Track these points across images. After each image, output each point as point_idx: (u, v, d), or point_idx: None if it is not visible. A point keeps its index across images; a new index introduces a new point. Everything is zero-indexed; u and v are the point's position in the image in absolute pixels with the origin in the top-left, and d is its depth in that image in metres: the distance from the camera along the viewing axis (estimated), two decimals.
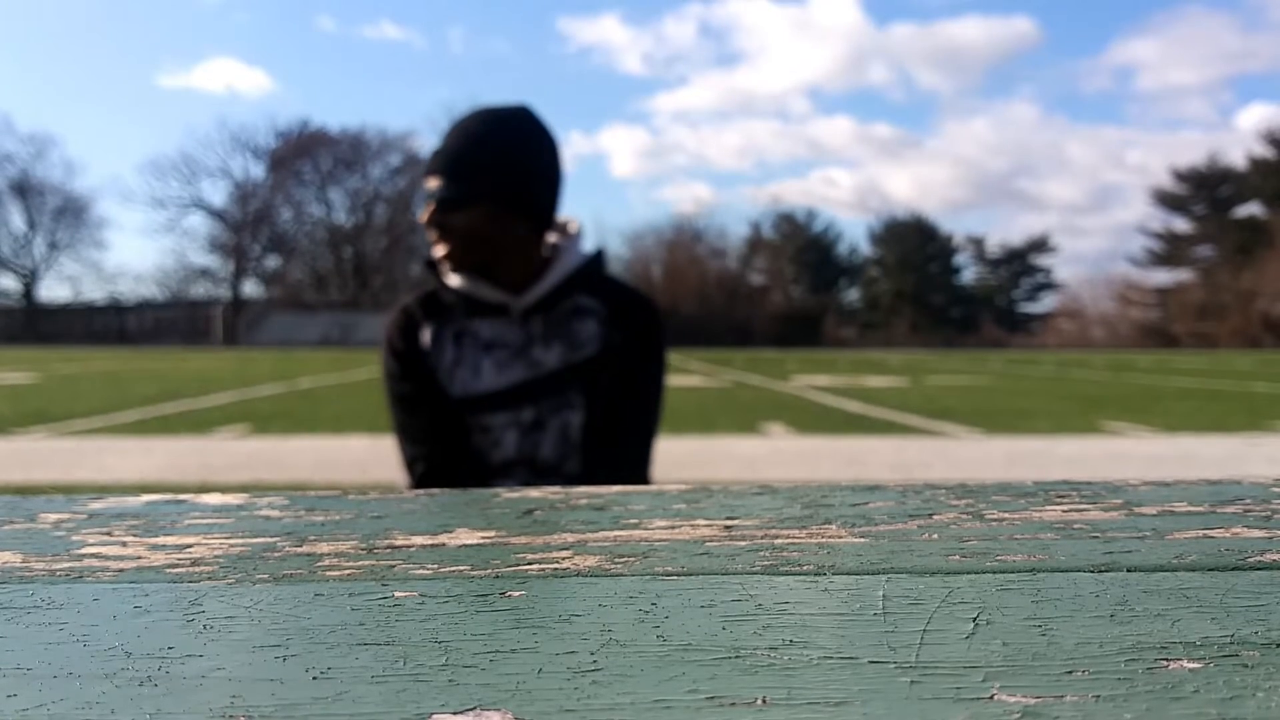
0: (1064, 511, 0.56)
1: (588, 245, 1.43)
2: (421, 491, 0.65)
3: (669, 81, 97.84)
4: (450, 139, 1.34)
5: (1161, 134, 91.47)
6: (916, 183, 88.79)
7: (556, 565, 0.45)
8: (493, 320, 1.35)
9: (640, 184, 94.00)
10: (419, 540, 0.50)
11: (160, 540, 0.51)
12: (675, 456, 6.42)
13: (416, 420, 1.37)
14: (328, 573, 0.44)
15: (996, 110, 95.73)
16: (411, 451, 1.36)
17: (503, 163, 1.32)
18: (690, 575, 0.43)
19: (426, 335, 1.36)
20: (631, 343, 1.37)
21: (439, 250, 1.35)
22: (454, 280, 1.36)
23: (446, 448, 1.35)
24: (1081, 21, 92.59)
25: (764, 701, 0.29)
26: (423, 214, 1.33)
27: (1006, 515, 0.55)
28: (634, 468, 1.35)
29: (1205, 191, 58.33)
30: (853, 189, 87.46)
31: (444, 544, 0.49)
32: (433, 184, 1.31)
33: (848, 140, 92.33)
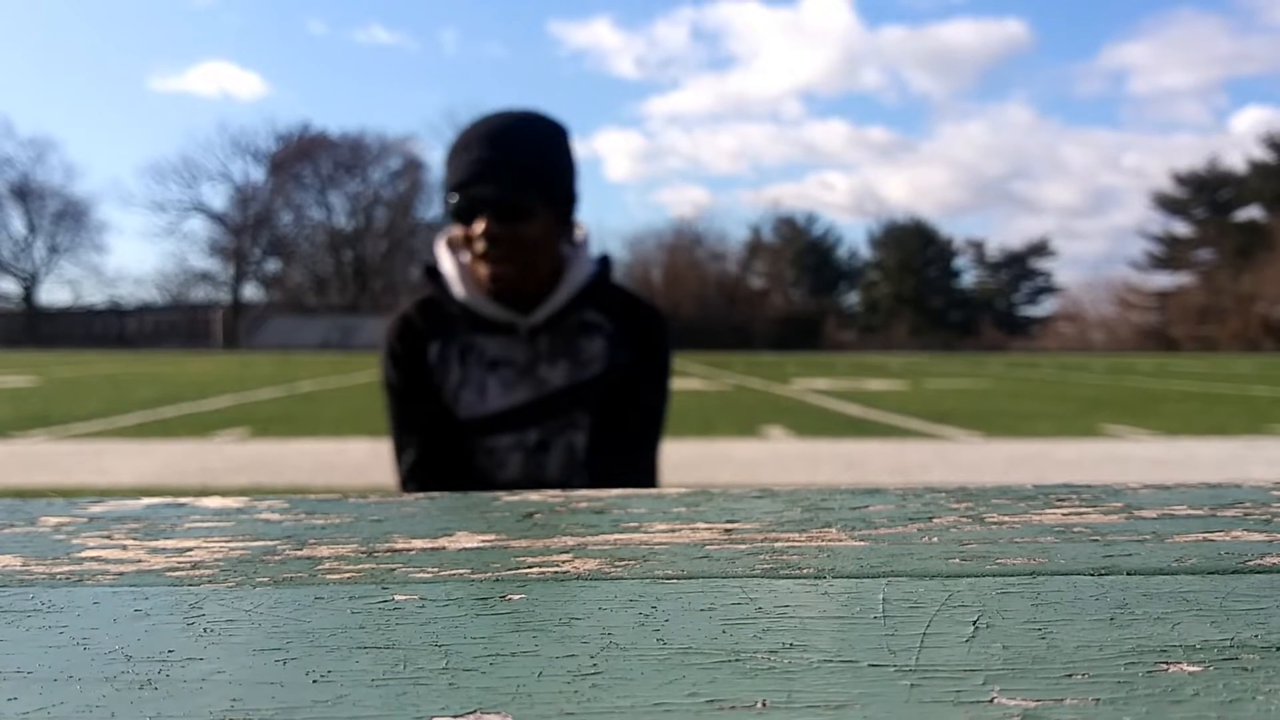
0: (1064, 515, 0.56)
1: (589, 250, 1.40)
2: (421, 495, 0.65)
3: (662, 85, 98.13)
4: (489, 143, 1.24)
5: (1156, 137, 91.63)
6: (913, 186, 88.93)
7: (556, 568, 0.45)
8: (498, 337, 1.31)
9: (636, 187, 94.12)
10: (419, 543, 0.50)
11: (160, 543, 0.51)
12: (675, 460, 6.41)
13: (416, 437, 1.33)
14: (328, 576, 0.44)
15: (990, 113, 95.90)
16: (409, 469, 1.32)
17: (556, 166, 1.28)
18: (690, 578, 0.43)
19: (433, 350, 1.32)
20: (640, 359, 1.35)
21: (485, 262, 1.26)
22: (460, 294, 1.31)
23: (447, 468, 1.31)
24: (1073, 24, 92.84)
25: (764, 705, 0.29)
26: (477, 225, 1.24)
27: (1006, 518, 0.55)
28: (642, 482, 1.33)
29: (1205, 195, 58.39)
30: (849, 192, 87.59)
31: (444, 547, 0.49)
32: (485, 191, 1.23)
33: (842, 144, 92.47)
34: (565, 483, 1.30)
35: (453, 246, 1.35)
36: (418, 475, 1.32)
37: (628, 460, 1.33)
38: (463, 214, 1.25)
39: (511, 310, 1.30)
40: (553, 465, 1.30)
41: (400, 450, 1.34)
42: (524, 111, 1.30)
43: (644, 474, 1.35)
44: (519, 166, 1.24)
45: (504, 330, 1.31)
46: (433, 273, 1.36)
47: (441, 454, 1.32)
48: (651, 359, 1.36)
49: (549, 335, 1.31)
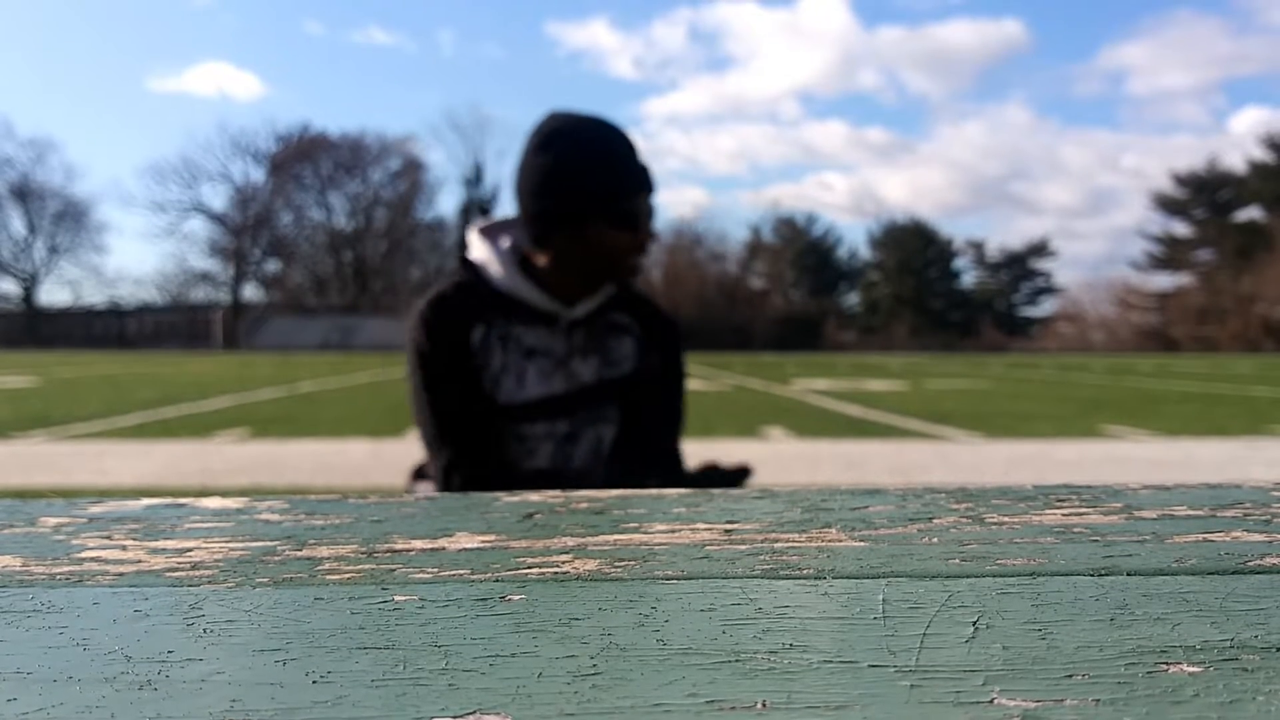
0: (1064, 515, 0.56)
1: None
2: (421, 495, 0.65)
3: (660, 85, 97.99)
4: (627, 156, 1.34)
5: (1155, 137, 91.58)
6: (911, 186, 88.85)
7: (556, 569, 0.45)
8: (536, 328, 1.34)
9: None
10: (419, 544, 0.50)
11: (160, 544, 0.51)
12: None
13: (458, 418, 1.30)
14: (328, 576, 0.44)
15: (988, 114, 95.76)
16: (452, 455, 1.28)
17: None
18: (690, 579, 0.43)
19: (477, 335, 1.32)
20: (666, 362, 1.44)
21: (627, 260, 1.35)
22: (502, 280, 1.35)
23: (489, 454, 1.30)
24: (1071, 24, 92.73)
25: (764, 705, 0.29)
26: (640, 232, 1.34)
27: (1006, 519, 0.55)
28: (670, 474, 1.41)
29: (1205, 195, 58.40)
30: (847, 193, 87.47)
31: (444, 548, 0.49)
32: (646, 204, 1.35)
33: (841, 144, 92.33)
34: (590, 472, 1.34)
35: (489, 235, 1.39)
36: (464, 473, 1.28)
37: (656, 454, 1.39)
38: (627, 221, 1.33)
39: (557, 302, 1.35)
40: (580, 456, 1.34)
41: (440, 441, 1.30)
42: (605, 120, 1.37)
43: (672, 468, 1.41)
44: (652, 181, 1.37)
45: (543, 321, 1.35)
46: (466, 262, 1.39)
47: (487, 443, 1.31)
48: (674, 362, 1.45)
49: (584, 331, 1.37)
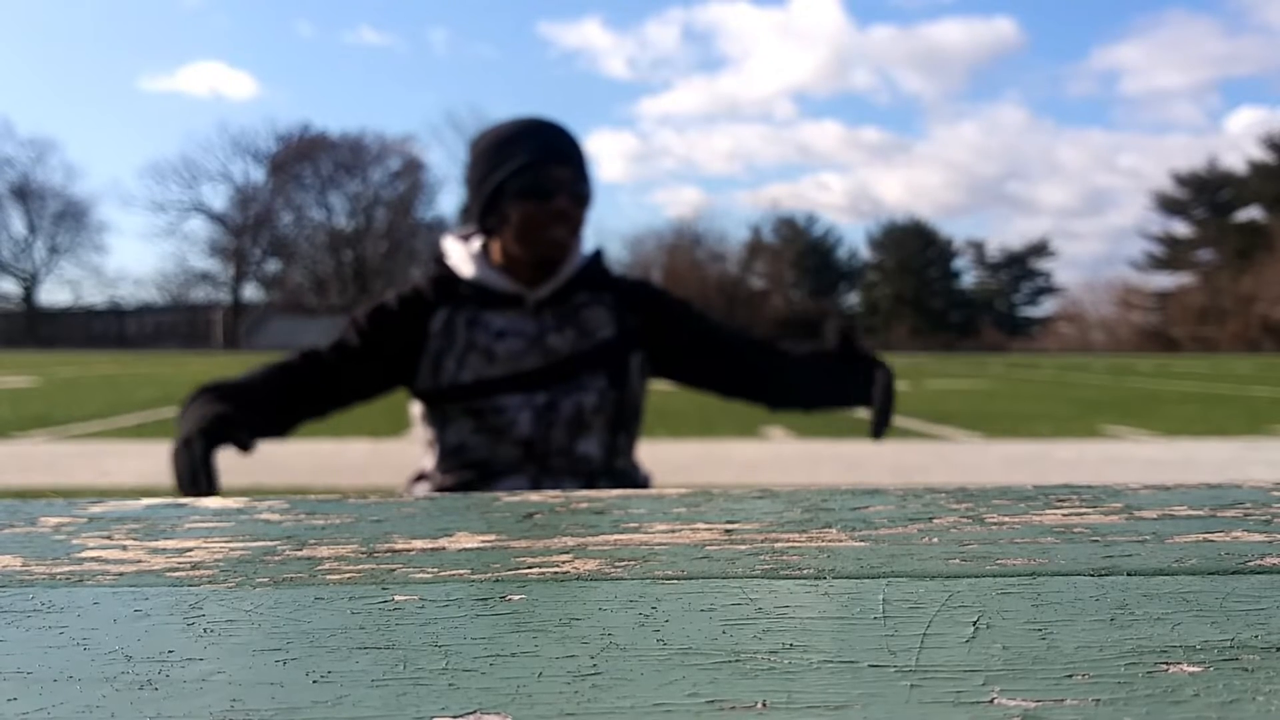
0: (1064, 515, 0.56)
1: (587, 247, 1.50)
2: (422, 495, 0.65)
3: (654, 86, 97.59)
4: (553, 134, 1.41)
5: (1150, 137, 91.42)
6: (908, 187, 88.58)
7: (556, 569, 0.45)
8: (505, 311, 1.41)
9: (630, 188, 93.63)
10: (419, 544, 0.50)
11: (160, 544, 0.51)
12: (675, 460, 6.41)
13: (312, 363, 1.40)
14: (328, 576, 0.44)
15: (983, 113, 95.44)
16: (289, 359, 1.41)
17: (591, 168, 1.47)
18: (690, 579, 0.43)
19: (439, 318, 1.40)
20: (663, 314, 1.48)
21: (544, 233, 1.38)
22: (470, 272, 1.42)
23: (281, 391, 1.40)
24: (1063, 24, 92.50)
25: (764, 705, 0.29)
26: (554, 202, 1.37)
27: (1006, 519, 0.55)
28: (788, 355, 1.51)
29: (1205, 195, 58.39)
30: (844, 193, 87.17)
31: (444, 548, 0.49)
32: (564, 173, 1.38)
33: (837, 144, 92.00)
34: (572, 440, 1.37)
35: (463, 239, 1.48)
36: (278, 372, 1.39)
37: (776, 350, 1.50)
38: (535, 191, 1.37)
39: (521, 285, 1.41)
40: (561, 422, 1.37)
41: (291, 359, 1.42)
42: (534, 116, 1.46)
43: (781, 349, 1.52)
44: (582, 158, 1.43)
45: (512, 304, 1.41)
46: (438, 260, 1.47)
47: (292, 390, 1.40)
48: (674, 308, 1.51)
49: (554, 310, 1.41)
